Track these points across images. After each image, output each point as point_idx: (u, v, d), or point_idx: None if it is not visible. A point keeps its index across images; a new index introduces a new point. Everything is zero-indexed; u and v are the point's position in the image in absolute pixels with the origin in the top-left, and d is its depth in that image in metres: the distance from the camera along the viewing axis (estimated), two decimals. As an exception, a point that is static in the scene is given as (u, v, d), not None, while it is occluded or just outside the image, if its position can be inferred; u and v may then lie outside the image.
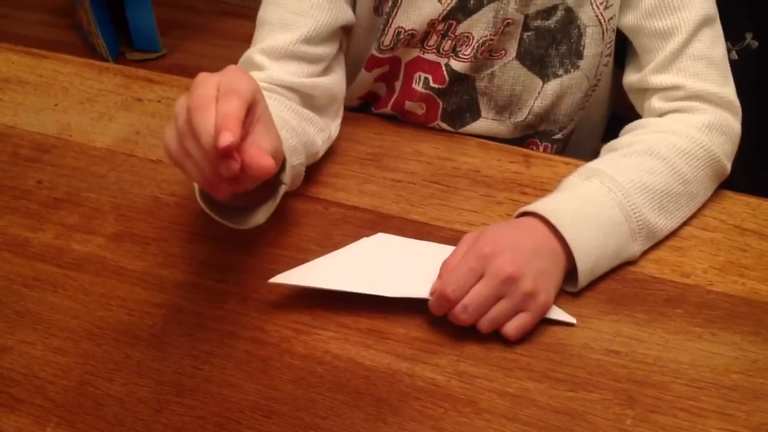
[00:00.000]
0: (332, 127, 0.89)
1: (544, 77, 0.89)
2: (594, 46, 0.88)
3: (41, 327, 0.71)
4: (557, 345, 0.70)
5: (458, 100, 0.91)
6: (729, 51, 0.98)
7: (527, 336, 0.70)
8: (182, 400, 0.65)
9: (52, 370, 0.67)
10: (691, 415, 0.65)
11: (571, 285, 0.73)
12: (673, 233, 0.80)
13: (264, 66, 0.85)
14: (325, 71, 0.89)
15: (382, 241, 0.77)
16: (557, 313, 0.72)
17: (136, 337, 0.70)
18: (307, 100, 0.87)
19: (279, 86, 0.85)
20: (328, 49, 0.88)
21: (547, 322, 0.71)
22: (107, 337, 0.70)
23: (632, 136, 0.83)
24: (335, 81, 0.90)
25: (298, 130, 0.80)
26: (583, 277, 0.73)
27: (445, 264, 0.71)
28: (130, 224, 0.81)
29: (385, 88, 0.95)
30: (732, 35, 1.06)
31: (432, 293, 0.70)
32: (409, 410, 0.65)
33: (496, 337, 0.70)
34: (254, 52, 0.86)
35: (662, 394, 0.66)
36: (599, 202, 0.75)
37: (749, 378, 0.67)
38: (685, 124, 0.82)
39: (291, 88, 0.85)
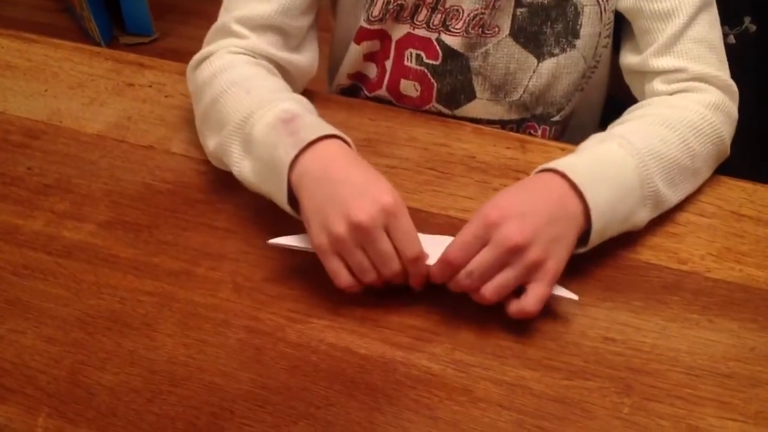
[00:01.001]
0: None
1: (540, 56, 0.88)
2: (591, 25, 0.87)
3: (32, 316, 0.70)
4: (553, 333, 0.69)
5: (452, 81, 0.91)
6: (727, 35, 0.98)
7: (523, 324, 0.69)
8: (175, 389, 0.64)
9: (42, 359, 0.67)
10: (688, 403, 0.64)
11: (579, 246, 0.72)
12: (670, 219, 0.80)
13: (244, 35, 0.85)
14: (299, 47, 0.89)
15: None
16: (558, 290, 0.71)
17: (128, 326, 0.69)
18: (282, 72, 0.87)
19: (262, 57, 0.85)
20: (305, 21, 0.88)
21: (547, 305, 0.70)
22: (99, 326, 0.69)
23: (643, 110, 0.83)
24: (308, 60, 0.91)
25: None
26: (595, 237, 0.71)
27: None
28: (122, 211, 0.80)
29: (376, 69, 0.94)
30: (730, 19, 1.05)
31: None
32: (404, 399, 0.64)
33: (491, 325, 0.69)
34: (230, 21, 0.86)
35: (659, 382, 0.66)
36: (617, 163, 0.74)
37: (747, 365, 0.67)
38: (693, 101, 0.81)
39: (272, 60, 0.86)
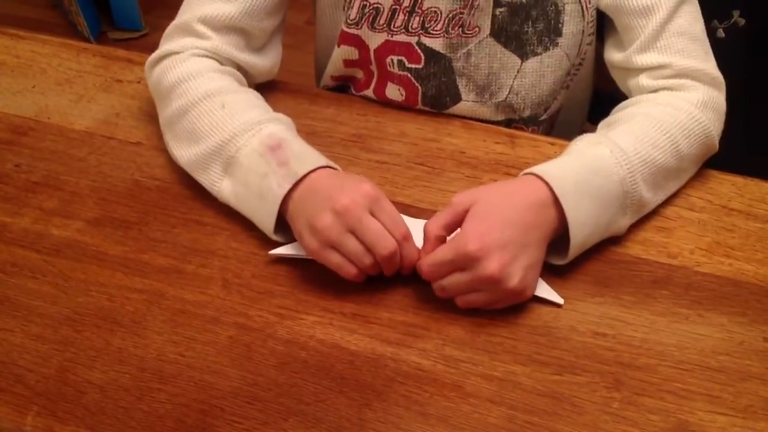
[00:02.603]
0: None
1: (523, 55, 0.88)
2: (573, 23, 0.87)
3: (20, 314, 0.70)
4: (543, 328, 0.69)
5: (437, 83, 0.90)
6: (716, 29, 0.98)
7: (513, 319, 0.69)
8: (164, 387, 0.64)
9: (31, 357, 0.66)
10: (677, 397, 0.64)
11: (558, 257, 0.73)
12: (660, 214, 0.80)
13: (207, 35, 0.85)
14: (262, 49, 0.89)
15: None
16: (545, 292, 0.71)
17: (117, 323, 0.69)
18: (243, 72, 0.87)
19: (225, 60, 0.86)
20: (269, 23, 0.88)
21: (535, 301, 0.71)
22: (87, 324, 0.69)
23: (634, 108, 0.83)
24: (269, 62, 0.91)
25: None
26: (573, 250, 0.72)
27: (426, 231, 0.70)
28: (110, 208, 0.80)
29: (362, 71, 0.94)
30: (719, 12, 1.05)
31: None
32: (394, 395, 0.64)
33: (481, 320, 0.69)
34: (193, 20, 0.85)
35: (649, 377, 0.66)
36: (604, 173, 0.74)
37: (736, 360, 0.67)
38: (683, 100, 0.81)
39: (234, 63, 0.86)
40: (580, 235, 0.71)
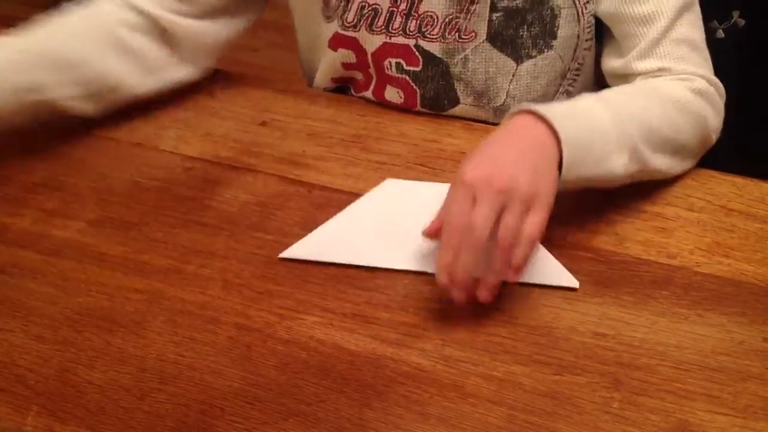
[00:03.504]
0: (181, 71, 0.90)
1: (518, 59, 0.88)
2: (568, 27, 0.87)
3: (20, 314, 0.70)
4: (543, 328, 0.69)
5: (435, 86, 0.90)
6: (716, 29, 0.98)
7: (513, 319, 0.69)
8: (165, 387, 0.64)
9: (31, 357, 0.66)
10: (677, 397, 0.64)
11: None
12: (659, 214, 0.80)
13: None
14: (206, 15, 0.88)
15: (390, 191, 0.77)
16: (557, 276, 0.71)
17: (117, 324, 0.69)
18: (165, 37, 0.87)
19: (131, 9, 0.86)
20: None
21: (539, 297, 0.71)
22: (88, 324, 0.69)
23: (625, 86, 0.82)
24: (214, 30, 0.90)
25: (76, 62, 0.83)
26: (568, 168, 0.70)
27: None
28: (111, 209, 0.80)
29: (361, 74, 0.94)
30: (719, 13, 1.05)
31: (427, 232, 0.69)
32: (394, 395, 0.64)
33: (481, 320, 0.69)
34: None
35: (649, 377, 0.66)
36: (591, 112, 0.74)
37: (736, 360, 0.67)
38: (678, 84, 0.81)
39: (146, 15, 0.86)
40: (572, 152, 0.70)
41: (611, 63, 0.88)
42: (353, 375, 0.65)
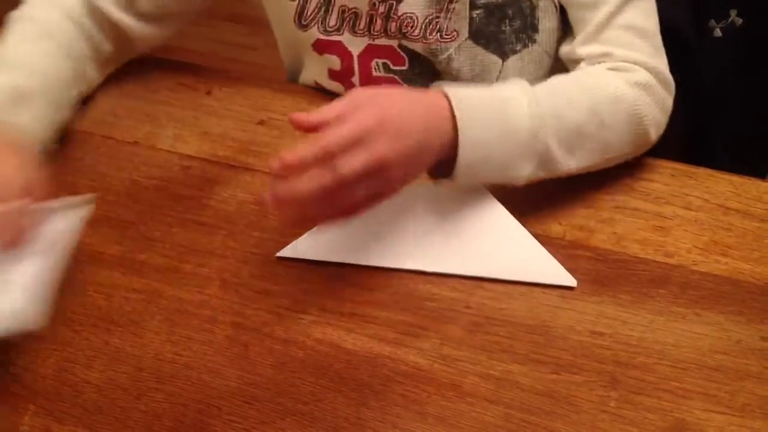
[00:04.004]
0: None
1: (503, 54, 0.88)
2: (548, 19, 0.86)
3: (17, 313, 0.70)
4: (541, 327, 0.69)
5: (424, 84, 0.90)
6: (713, 28, 0.98)
7: (511, 318, 0.69)
8: (162, 386, 0.64)
9: (28, 357, 0.67)
10: (675, 396, 0.64)
11: (445, 180, 0.71)
12: (657, 213, 0.80)
13: None
14: (152, 17, 0.89)
15: None
16: (555, 275, 0.71)
17: (114, 323, 0.69)
18: (118, 36, 0.89)
19: (96, 11, 0.87)
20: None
21: (538, 294, 0.71)
22: (85, 323, 0.69)
23: (560, 75, 0.81)
24: (156, 34, 0.90)
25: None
26: (461, 170, 0.70)
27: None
28: (108, 208, 0.80)
29: (344, 87, 0.93)
30: (716, 11, 1.05)
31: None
32: (392, 394, 0.64)
33: (479, 320, 0.69)
34: None
35: (646, 376, 0.66)
36: (512, 106, 0.72)
37: (733, 358, 0.67)
38: (615, 76, 0.79)
39: (108, 18, 0.87)
40: (471, 155, 0.69)
41: (563, 48, 0.87)
42: (351, 374, 0.65)
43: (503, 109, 0.72)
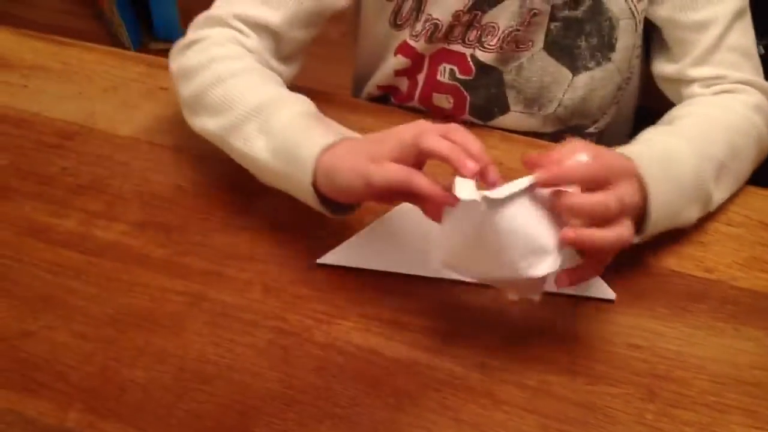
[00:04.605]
0: None
1: (575, 70, 0.88)
2: (627, 38, 0.87)
3: (64, 313, 0.71)
4: (577, 338, 0.70)
5: (486, 93, 0.91)
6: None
7: (547, 328, 0.70)
8: (204, 387, 0.65)
9: (74, 355, 0.68)
10: (713, 411, 0.64)
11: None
12: (697, 228, 0.79)
13: (246, 32, 0.84)
14: (288, 59, 0.89)
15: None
16: (596, 287, 0.72)
17: (158, 324, 0.70)
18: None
19: (255, 54, 0.85)
20: (304, 34, 0.88)
21: (579, 304, 0.71)
22: (129, 324, 0.70)
23: (690, 108, 0.83)
24: (290, 73, 0.90)
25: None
26: (649, 229, 0.71)
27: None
28: (153, 212, 0.81)
29: (407, 81, 0.95)
30: (758, 29, 1.04)
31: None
32: (428, 401, 0.65)
33: (516, 329, 0.70)
34: (230, 17, 0.85)
35: (684, 390, 0.66)
36: (679, 161, 0.74)
37: (772, 374, 0.67)
38: (736, 101, 0.82)
39: (266, 64, 0.86)
40: (655, 217, 0.70)
41: (663, 68, 0.88)
42: (388, 380, 0.66)
43: (675, 169, 0.73)
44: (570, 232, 0.61)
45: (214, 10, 0.87)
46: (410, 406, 0.64)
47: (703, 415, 0.64)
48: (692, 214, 0.76)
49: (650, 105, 0.96)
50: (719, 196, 0.79)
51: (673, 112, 0.84)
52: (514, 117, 0.92)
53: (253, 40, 0.85)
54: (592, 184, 0.63)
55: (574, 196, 0.62)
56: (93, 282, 0.74)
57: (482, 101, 0.92)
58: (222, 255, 0.76)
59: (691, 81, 0.85)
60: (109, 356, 0.68)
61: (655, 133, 0.78)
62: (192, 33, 0.86)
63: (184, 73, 0.83)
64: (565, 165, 0.63)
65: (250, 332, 0.70)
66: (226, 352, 0.68)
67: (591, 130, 0.94)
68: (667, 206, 0.72)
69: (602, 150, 0.68)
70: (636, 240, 0.71)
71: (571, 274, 0.65)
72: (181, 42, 0.86)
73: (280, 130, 0.73)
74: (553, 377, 0.67)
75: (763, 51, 1.06)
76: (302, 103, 0.77)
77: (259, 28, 0.85)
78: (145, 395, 0.65)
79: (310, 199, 0.71)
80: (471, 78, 0.90)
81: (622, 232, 0.63)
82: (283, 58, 0.88)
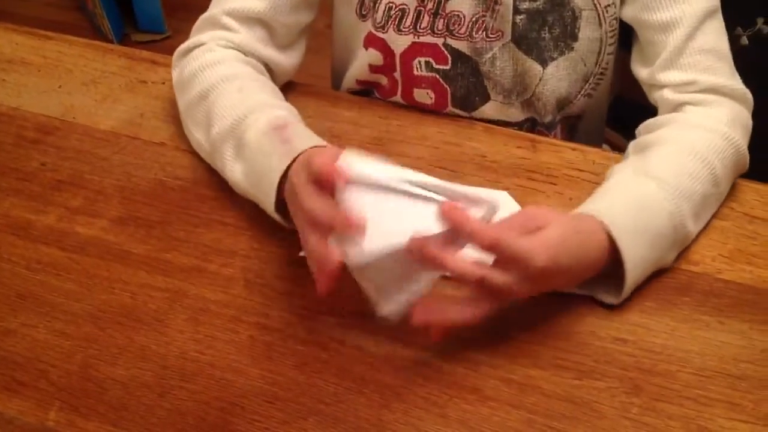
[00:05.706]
0: None
1: (543, 62, 0.88)
2: (590, 30, 0.87)
3: (44, 310, 0.71)
4: (563, 333, 0.69)
5: (465, 83, 0.90)
6: (740, 36, 0.97)
7: (533, 323, 0.69)
8: (186, 384, 0.65)
9: (54, 353, 0.67)
10: (698, 404, 0.64)
11: (608, 296, 0.71)
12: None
13: (234, 28, 0.87)
14: (286, 46, 0.90)
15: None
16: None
17: (139, 321, 0.70)
18: (268, 72, 0.89)
19: (251, 54, 0.87)
20: (293, 19, 0.90)
21: (566, 303, 0.71)
22: (110, 321, 0.70)
23: (665, 132, 0.80)
24: (292, 61, 0.92)
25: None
26: (627, 291, 0.70)
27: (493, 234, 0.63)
28: (134, 207, 0.80)
29: (386, 79, 0.94)
30: (742, 20, 1.05)
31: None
32: (414, 397, 0.64)
33: (502, 324, 0.69)
34: (220, 14, 0.88)
35: (669, 383, 0.65)
36: (653, 209, 0.72)
37: (757, 367, 0.67)
38: (713, 119, 0.80)
39: (259, 58, 0.88)
40: (635, 276, 0.70)
41: (639, 71, 0.87)
42: (373, 376, 0.66)
43: (650, 221, 0.71)
44: (420, 315, 0.63)
45: (209, 10, 0.90)
46: (396, 402, 0.64)
47: (688, 409, 0.64)
48: (671, 257, 0.74)
49: (628, 95, 0.95)
50: (698, 228, 0.77)
51: (647, 136, 0.81)
52: (496, 106, 0.92)
53: (243, 34, 0.87)
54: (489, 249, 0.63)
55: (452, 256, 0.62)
56: (73, 279, 0.73)
57: (463, 91, 0.91)
58: (204, 251, 0.76)
59: (662, 86, 0.84)
60: (90, 354, 0.67)
61: (628, 174, 0.76)
62: (191, 37, 0.90)
63: (179, 86, 0.87)
64: (472, 222, 0.62)
65: (232, 328, 0.69)
66: (207, 348, 0.67)
67: (558, 119, 0.93)
68: (644, 261, 0.71)
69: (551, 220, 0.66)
70: (615, 301, 0.71)
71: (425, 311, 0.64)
72: (182, 47, 0.89)
73: (248, 155, 0.76)
74: (539, 372, 0.66)
75: (747, 42, 1.06)
76: (268, 114, 0.77)
77: (249, 19, 0.87)
78: (127, 393, 0.64)
79: (279, 221, 0.74)
80: (448, 68, 0.90)
81: (474, 312, 0.65)
82: (280, 46, 0.90)
